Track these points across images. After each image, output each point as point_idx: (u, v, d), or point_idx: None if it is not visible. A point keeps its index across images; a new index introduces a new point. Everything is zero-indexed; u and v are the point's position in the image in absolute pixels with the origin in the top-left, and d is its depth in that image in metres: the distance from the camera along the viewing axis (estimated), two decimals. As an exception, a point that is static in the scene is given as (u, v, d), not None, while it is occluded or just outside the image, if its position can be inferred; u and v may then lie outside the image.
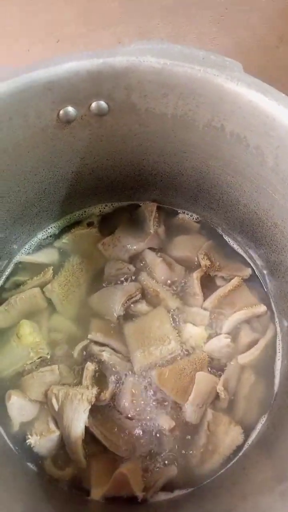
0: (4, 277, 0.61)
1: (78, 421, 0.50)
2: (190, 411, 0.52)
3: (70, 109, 0.46)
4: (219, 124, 0.46)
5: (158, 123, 0.49)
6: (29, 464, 0.51)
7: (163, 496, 0.48)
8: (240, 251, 0.64)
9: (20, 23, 0.57)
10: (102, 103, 0.47)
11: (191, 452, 0.51)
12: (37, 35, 0.59)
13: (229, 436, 0.52)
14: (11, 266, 0.62)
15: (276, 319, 0.60)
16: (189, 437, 0.52)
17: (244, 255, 0.64)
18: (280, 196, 0.47)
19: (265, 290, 0.62)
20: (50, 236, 0.65)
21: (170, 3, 0.60)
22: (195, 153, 0.52)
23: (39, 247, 0.64)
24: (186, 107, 0.46)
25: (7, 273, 0.62)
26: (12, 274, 0.62)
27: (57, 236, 0.65)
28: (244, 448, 0.51)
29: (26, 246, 0.64)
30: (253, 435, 0.52)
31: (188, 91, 0.44)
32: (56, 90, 0.43)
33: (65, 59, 0.42)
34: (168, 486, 0.50)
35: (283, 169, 0.44)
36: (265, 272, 0.61)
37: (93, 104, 0.47)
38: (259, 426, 0.53)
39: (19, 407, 0.52)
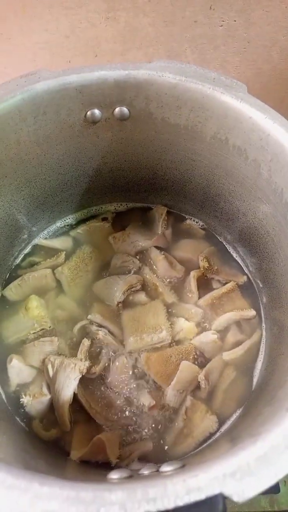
0: (21, 255, 0.68)
1: (68, 387, 0.55)
2: (170, 395, 0.56)
3: (96, 111, 0.54)
4: (223, 136, 0.52)
5: (172, 132, 0.56)
6: (19, 420, 0.56)
7: (134, 466, 0.52)
8: (238, 259, 0.69)
9: (66, 37, 0.66)
10: (125, 109, 0.54)
11: (167, 432, 0.55)
12: (79, 49, 0.68)
13: (204, 423, 0.56)
14: (29, 247, 0.69)
15: (263, 325, 0.64)
16: (167, 418, 0.56)
17: (242, 263, 0.69)
18: (272, 205, 0.52)
19: (257, 297, 0.66)
20: (67, 225, 0.72)
21: (199, 34, 0.68)
22: (202, 162, 0.58)
23: (56, 233, 0.71)
24: (196, 119, 0.52)
25: (24, 252, 0.69)
26: (29, 254, 0.69)
27: (73, 226, 0.72)
28: (216, 436, 0.55)
29: (45, 231, 0.71)
30: (226, 425, 0.56)
31: (199, 105, 0.50)
32: (86, 93, 0.51)
33: (96, 67, 0.49)
34: (141, 459, 0.53)
35: (275, 180, 0.50)
36: (257, 280, 0.65)
37: (117, 109, 0.54)
38: (233, 418, 0.56)
39: (18, 370, 0.58)
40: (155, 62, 0.49)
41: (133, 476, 0.37)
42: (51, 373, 0.57)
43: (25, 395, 0.56)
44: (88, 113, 0.53)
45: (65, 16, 0.64)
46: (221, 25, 0.65)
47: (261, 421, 0.36)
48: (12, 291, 0.64)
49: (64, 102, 0.51)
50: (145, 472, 0.40)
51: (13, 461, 0.33)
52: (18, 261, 0.68)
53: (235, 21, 0.65)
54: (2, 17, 0.65)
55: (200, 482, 0.27)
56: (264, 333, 0.63)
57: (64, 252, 0.68)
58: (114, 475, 0.36)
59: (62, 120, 0.53)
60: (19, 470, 0.28)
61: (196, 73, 0.49)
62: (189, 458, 0.50)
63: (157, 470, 0.39)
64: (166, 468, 0.35)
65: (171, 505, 0.27)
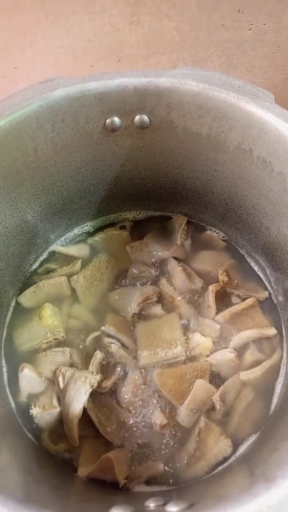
0: (38, 262, 0.68)
1: (78, 401, 0.53)
2: (183, 414, 0.54)
3: (116, 119, 0.52)
4: (247, 147, 0.50)
5: (193, 141, 0.54)
6: (27, 433, 0.55)
7: (142, 488, 0.50)
8: (260, 274, 0.66)
9: (88, 42, 0.65)
10: (145, 117, 0.52)
11: (178, 453, 0.53)
12: (101, 53, 0.67)
13: (218, 446, 0.53)
14: (46, 253, 0.69)
15: (285, 344, 0.60)
16: (179, 439, 0.54)
17: (263, 278, 0.66)
18: (298, 222, 0.49)
19: (279, 315, 0.63)
20: (85, 232, 0.71)
21: (226, 38, 0.65)
22: (225, 172, 0.56)
23: (73, 241, 0.70)
24: (219, 129, 0.50)
25: (41, 259, 0.68)
26: (45, 260, 0.68)
27: (91, 234, 0.71)
28: (230, 461, 0.52)
29: (62, 238, 0.70)
30: (241, 450, 0.53)
31: (222, 114, 0.48)
32: (105, 101, 0.49)
33: (116, 74, 0.48)
34: (151, 480, 0.52)
35: (302, 196, 0.47)
36: (280, 297, 0.62)
37: (137, 117, 0.52)
38: (248, 443, 0.53)
39: (29, 379, 0.57)
40: (178, 69, 0.47)
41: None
42: (61, 385, 0.55)
43: (35, 406, 0.55)
44: (108, 120, 0.52)
45: (88, 20, 0.63)
46: (250, 29, 0.62)
47: (277, 460, 0.34)
48: (27, 298, 0.64)
49: (83, 110, 0.50)
50: (151, 505, 0.38)
51: (13, 486, 0.31)
52: (34, 267, 0.67)
53: (264, 24, 0.62)
54: (25, 22, 0.65)
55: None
56: (285, 353, 0.60)
57: (81, 260, 0.67)
58: (116, 510, 0.34)
59: (80, 127, 0.52)
60: (16, 505, 0.27)
61: (220, 81, 0.47)
62: (199, 490, 0.48)
63: (164, 504, 0.37)
64: (172, 508, 0.33)
65: None
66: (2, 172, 0.49)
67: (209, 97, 0.47)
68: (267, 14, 0.60)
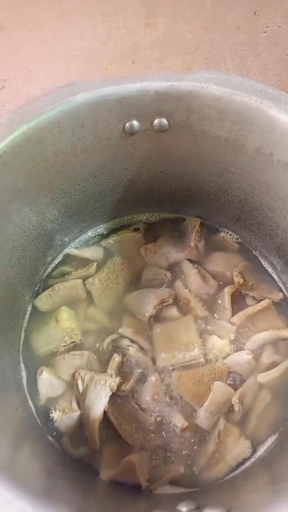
0: (53, 265, 0.68)
1: (99, 404, 0.54)
2: (203, 417, 0.55)
3: (135, 123, 0.52)
4: (268, 151, 0.50)
5: (212, 144, 0.54)
6: (48, 436, 0.55)
7: (164, 490, 0.51)
8: (274, 275, 0.67)
9: (103, 44, 0.64)
10: (164, 121, 0.52)
11: (198, 455, 0.53)
12: (115, 56, 0.67)
13: (237, 448, 0.54)
14: (60, 256, 0.69)
15: (301, 346, 0.61)
16: (198, 441, 0.54)
17: (277, 280, 0.66)
18: None
19: (294, 316, 0.63)
20: (99, 235, 0.71)
21: (239, 41, 0.65)
22: (242, 176, 0.56)
23: (87, 243, 0.70)
24: (239, 132, 0.50)
25: (56, 262, 0.68)
26: (60, 264, 0.68)
27: (104, 236, 0.71)
28: (250, 462, 0.53)
29: (76, 241, 0.70)
30: (260, 451, 0.53)
31: (243, 118, 0.48)
32: (125, 105, 0.49)
33: (137, 78, 0.48)
34: (172, 483, 0.52)
35: None
36: (295, 298, 0.63)
37: (156, 121, 0.52)
38: (267, 444, 0.54)
39: (48, 383, 0.57)
40: (200, 73, 0.47)
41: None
42: (81, 388, 0.56)
43: (54, 409, 0.55)
44: (127, 124, 0.52)
45: (102, 22, 0.63)
46: (265, 31, 0.63)
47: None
48: (43, 301, 0.64)
49: (103, 114, 0.50)
50: (184, 509, 0.38)
51: (36, 487, 0.32)
52: (49, 270, 0.67)
53: (279, 27, 0.62)
54: (39, 22, 0.64)
55: None
56: (301, 355, 0.60)
57: (95, 262, 0.67)
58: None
59: (100, 131, 0.52)
60: (35, 499, 0.27)
61: (242, 85, 0.47)
62: (221, 487, 0.48)
63: (197, 508, 0.37)
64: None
65: None
66: (23, 176, 0.49)
67: (231, 101, 0.47)
68: (283, 17, 0.60)
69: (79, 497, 0.45)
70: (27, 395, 0.57)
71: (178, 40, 0.65)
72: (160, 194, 0.67)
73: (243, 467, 0.53)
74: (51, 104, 0.46)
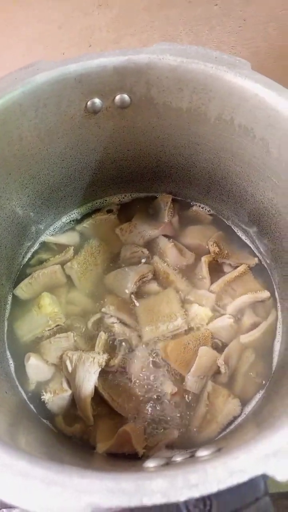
0: (30, 253, 0.68)
1: (89, 381, 0.54)
2: (191, 381, 0.56)
3: (97, 100, 0.53)
4: (228, 117, 0.51)
5: (174, 116, 0.55)
6: (42, 419, 0.56)
7: (161, 455, 0.52)
8: (248, 242, 0.69)
9: (59, 28, 0.64)
10: (125, 96, 0.53)
11: (191, 419, 0.55)
12: (72, 40, 0.67)
13: (227, 407, 0.56)
14: (37, 245, 0.69)
15: (279, 305, 0.63)
16: (189, 405, 0.56)
17: (252, 246, 0.68)
18: (283, 184, 0.51)
19: (270, 278, 0.66)
20: (73, 220, 0.71)
21: (192, 16, 0.66)
22: (207, 145, 0.57)
23: (62, 229, 0.71)
24: (199, 101, 0.51)
25: (32, 250, 0.68)
26: (36, 252, 0.68)
27: (79, 221, 0.71)
28: (240, 419, 0.55)
29: (51, 228, 0.70)
30: (250, 407, 0.55)
31: (201, 86, 0.49)
32: (85, 82, 0.50)
33: (95, 55, 0.48)
34: (168, 447, 0.53)
35: (286, 158, 0.49)
36: (268, 260, 0.65)
37: (117, 97, 0.53)
38: (255, 400, 0.56)
39: (36, 368, 0.58)
40: (156, 45, 0.48)
41: (170, 464, 0.37)
42: (69, 368, 0.56)
43: (45, 392, 0.56)
44: (89, 103, 0.52)
45: (58, 5, 0.62)
46: (216, 4, 0.64)
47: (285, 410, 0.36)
48: (23, 290, 0.64)
49: (64, 93, 0.50)
50: (178, 459, 0.40)
51: (47, 458, 0.32)
52: (26, 259, 0.67)
53: (229, -2, 0.64)
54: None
55: (243, 464, 0.27)
56: (280, 313, 0.63)
57: (72, 247, 0.67)
58: (150, 463, 0.36)
59: (63, 112, 0.52)
60: (57, 466, 0.28)
61: (198, 53, 0.48)
62: (219, 442, 0.50)
63: (192, 456, 0.39)
64: (202, 453, 0.35)
65: (213, 490, 0.27)
66: (-10, 162, 0.49)
67: (188, 70, 0.48)
68: (232, -12, 0.62)
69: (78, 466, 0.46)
70: (16, 382, 0.57)
71: (133, 19, 0.65)
72: (129, 173, 0.68)
73: (235, 424, 0.55)
74: (11, 86, 0.46)
